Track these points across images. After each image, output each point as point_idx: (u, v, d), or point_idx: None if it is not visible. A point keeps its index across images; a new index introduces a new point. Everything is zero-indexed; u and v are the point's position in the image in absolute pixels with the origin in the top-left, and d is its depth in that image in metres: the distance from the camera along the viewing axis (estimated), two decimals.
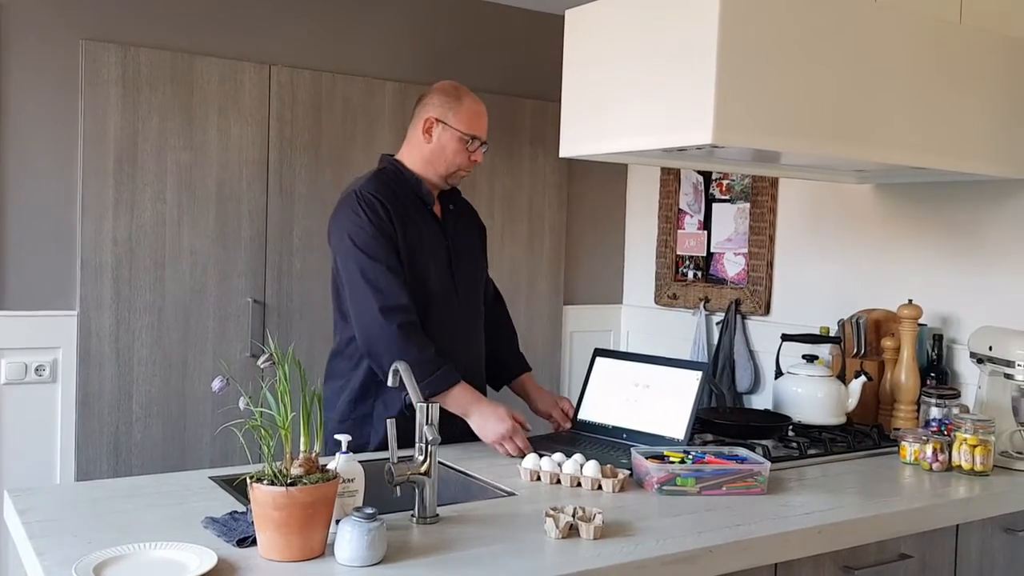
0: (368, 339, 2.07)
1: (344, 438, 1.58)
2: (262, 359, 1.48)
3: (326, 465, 1.48)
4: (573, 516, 1.58)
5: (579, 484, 1.82)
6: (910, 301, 2.51)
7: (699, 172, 3.37)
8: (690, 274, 3.42)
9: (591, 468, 1.81)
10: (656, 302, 3.55)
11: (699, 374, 2.09)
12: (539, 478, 1.85)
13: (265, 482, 1.39)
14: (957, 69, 2.18)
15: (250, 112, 2.98)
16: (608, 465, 1.86)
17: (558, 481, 1.83)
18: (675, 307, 3.47)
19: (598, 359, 2.34)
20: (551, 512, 1.59)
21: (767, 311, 3.14)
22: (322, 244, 3.09)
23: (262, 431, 1.42)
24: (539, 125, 3.52)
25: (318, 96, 3.08)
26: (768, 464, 1.87)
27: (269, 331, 3.00)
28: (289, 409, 1.45)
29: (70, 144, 2.78)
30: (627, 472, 1.86)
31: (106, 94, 2.79)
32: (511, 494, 1.82)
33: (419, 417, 1.64)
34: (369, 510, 1.41)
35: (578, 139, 2.16)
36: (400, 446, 1.64)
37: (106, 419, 2.83)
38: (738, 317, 3.20)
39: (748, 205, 3.19)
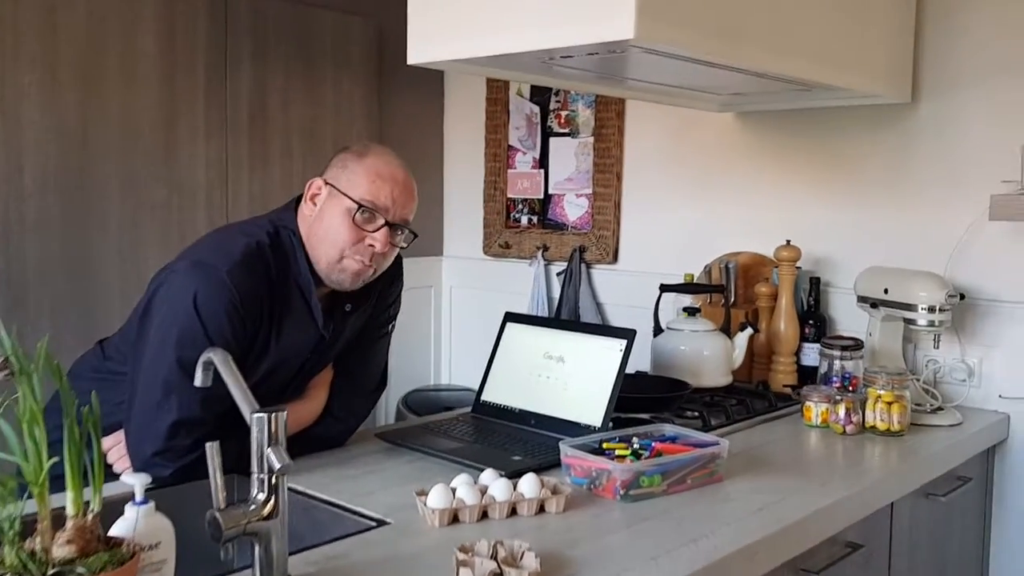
0: (134, 454, 1.49)
1: (137, 480, 1.01)
2: None
3: (110, 537, 0.91)
4: (494, 558, 1.12)
5: (514, 512, 1.34)
6: (788, 242, 2.25)
7: (534, 102, 2.95)
8: (524, 219, 3.01)
9: (529, 485, 1.34)
10: (485, 252, 3.11)
11: (623, 343, 1.68)
12: (456, 518, 1.30)
13: None
14: None
15: None
16: (551, 480, 1.40)
17: (485, 515, 1.32)
18: (508, 257, 3.05)
19: (508, 325, 1.88)
20: (463, 558, 1.11)
21: (615, 259, 2.80)
22: (69, 187, 2.35)
23: None
24: (342, 45, 2.92)
25: None
26: (727, 444, 1.51)
27: None
28: (44, 447, 0.86)
29: None
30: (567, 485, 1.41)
31: None
32: (382, 522, 1.33)
33: (255, 434, 1.09)
34: None
35: (433, 39, 1.64)
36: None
37: None
38: (582, 266, 2.84)
39: (592, 139, 2.82)
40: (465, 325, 3.20)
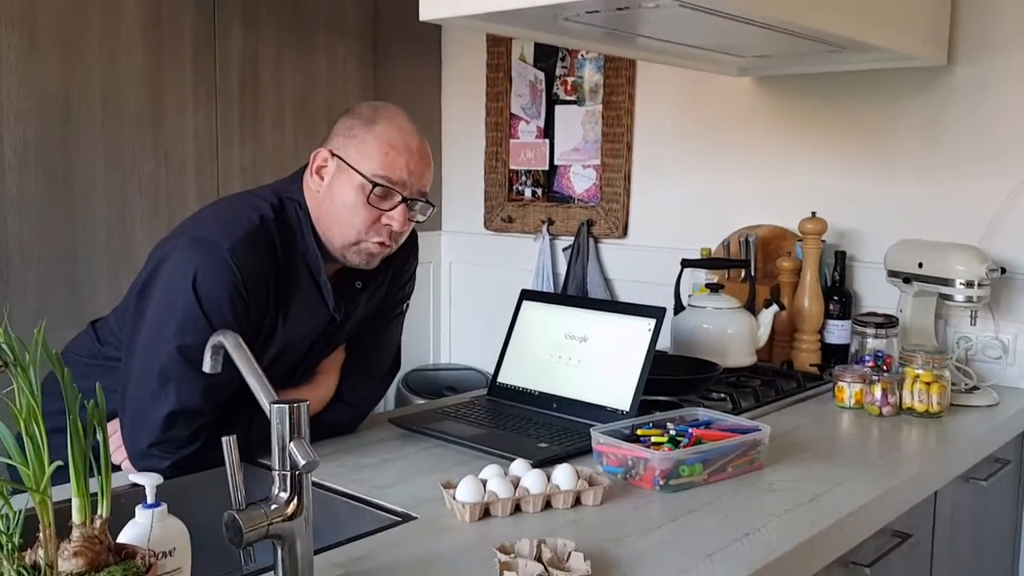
0: (128, 445, 1.38)
1: (148, 480, 0.90)
2: None
3: (120, 546, 0.80)
4: (538, 559, 1.02)
5: (548, 504, 1.24)
6: (813, 214, 2.15)
7: (538, 68, 2.82)
8: (528, 192, 2.90)
9: (564, 477, 1.24)
10: (487, 227, 2.99)
11: (651, 323, 1.58)
12: (488, 512, 1.22)
13: None
14: None
15: None
16: (587, 470, 1.30)
17: (517, 508, 1.24)
18: (511, 232, 2.93)
19: (525, 303, 1.77)
20: (505, 560, 1.01)
21: (624, 233, 2.69)
22: (51, 159, 2.22)
23: None
24: (336, 11, 2.78)
25: None
26: (768, 430, 1.42)
27: None
28: (45, 448, 0.75)
29: None
30: (604, 476, 1.31)
31: None
32: (408, 517, 1.22)
33: (276, 426, 0.98)
34: None
35: None
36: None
37: None
38: (590, 241, 2.73)
39: (600, 107, 2.70)
40: (465, 302, 3.09)
